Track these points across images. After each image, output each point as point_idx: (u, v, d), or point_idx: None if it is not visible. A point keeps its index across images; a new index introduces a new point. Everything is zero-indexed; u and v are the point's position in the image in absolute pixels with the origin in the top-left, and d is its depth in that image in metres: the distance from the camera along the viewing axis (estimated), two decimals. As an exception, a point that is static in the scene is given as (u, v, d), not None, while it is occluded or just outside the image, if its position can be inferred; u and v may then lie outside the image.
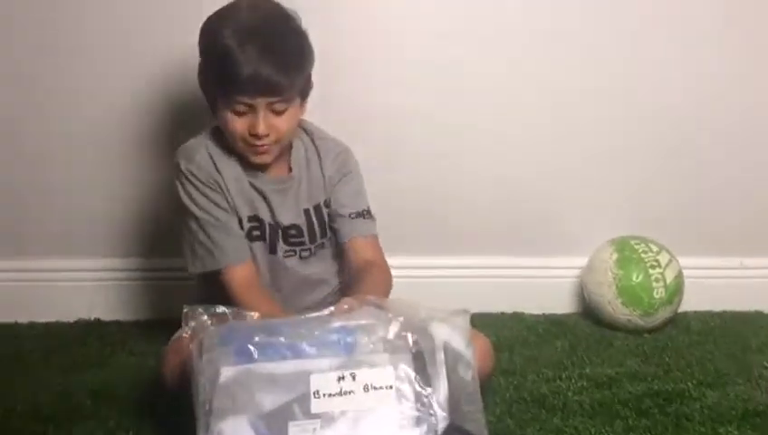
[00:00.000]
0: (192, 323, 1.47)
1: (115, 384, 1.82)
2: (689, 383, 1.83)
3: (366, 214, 1.83)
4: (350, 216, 1.81)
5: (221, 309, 1.49)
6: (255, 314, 1.51)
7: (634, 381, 1.84)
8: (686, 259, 2.20)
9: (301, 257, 1.80)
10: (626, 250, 2.17)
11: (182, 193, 1.74)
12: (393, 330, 1.42)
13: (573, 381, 1.84)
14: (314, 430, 1.35)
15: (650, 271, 2.13)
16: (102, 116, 2.17)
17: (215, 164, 1.74)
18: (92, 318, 2.21)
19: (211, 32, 1.70)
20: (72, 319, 2.20)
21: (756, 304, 2.30)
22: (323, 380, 1.37)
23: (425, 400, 1.38)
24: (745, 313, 2.28)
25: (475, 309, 2.16)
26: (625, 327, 2.15)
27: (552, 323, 2.21)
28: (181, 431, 1.50)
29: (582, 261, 2.25)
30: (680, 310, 2.20)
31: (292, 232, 1.78)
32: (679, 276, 2.16)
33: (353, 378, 1.38)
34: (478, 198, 2.25)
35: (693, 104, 2.24)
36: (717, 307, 2.29)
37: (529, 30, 2.17)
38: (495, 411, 1.68)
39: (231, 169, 1.75)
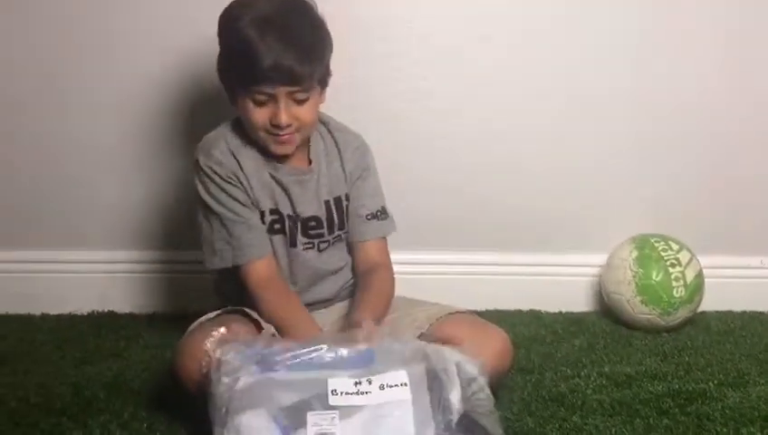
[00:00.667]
0: (215, 346, 1.48)
1: (129, 377, 1.81)
2: (710, 383, 1.80)
3: (381, 214, 1.82)
4: (366, 217, 1.81)
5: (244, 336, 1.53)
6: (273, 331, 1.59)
7: (654, 380, 1.82)
8: (706, 258, 2.18)
9: (319, 250, 1.79)
10: (646, 248, 2.14)
11: (201, 189, 1.72)
12: (409, 349, 1.46)
13: (592, 379, 1.82)
14: (333, 418, 1.36)
15: (670, 269, 2.10)
16: (118, 110, 2.16)
17: (234, 157, 1.72)
18: (106, 310, 2.21)
19: (230, 22, 1.69)
20: (85, 311, 2.20)
21: (776, 304, 2.28)
22: (340, 382, 1.40)
23: (440, 394, 1.39)
24: (766, 313, 2.26)
25: (492, 307, 2.19)
26: (644, 326, 2.12)
27: (570, 322, 2.19)
28: (195, 424, 1.49)
29: (601, 259, 2.23)
30: (700, 309, 2.18)
31: (312, 224, 1.77)
32: (700, 275, 2.14)
33: (369, 383, 1.40)
34: (495, 194, 2.23)
35: (715, 102, 2.22)
36: (738, 307, 2.27)
37: (551, 20, 2.15)
38: (513, 409, 1.67)
39: (251, 161, 1.73)
